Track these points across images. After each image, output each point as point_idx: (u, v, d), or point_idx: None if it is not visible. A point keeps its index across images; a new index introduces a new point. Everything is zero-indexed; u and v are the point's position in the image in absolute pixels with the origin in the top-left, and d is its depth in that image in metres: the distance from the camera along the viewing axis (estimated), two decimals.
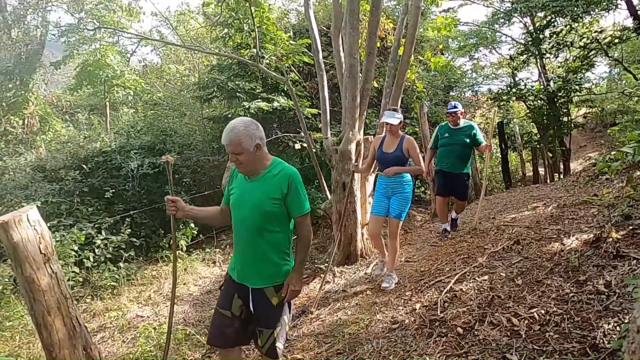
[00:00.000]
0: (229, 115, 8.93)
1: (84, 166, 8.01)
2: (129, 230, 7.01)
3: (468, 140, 5.47)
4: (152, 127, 9.69)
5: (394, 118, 4.40)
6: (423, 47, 11.95)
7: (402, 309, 3.76)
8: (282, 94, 9.04)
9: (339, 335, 3.59)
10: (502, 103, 14.15)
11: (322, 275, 5.12)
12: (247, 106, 8.25)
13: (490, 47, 17.48)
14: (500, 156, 13.80)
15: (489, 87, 19.18)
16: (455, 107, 5.51)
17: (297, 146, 8.57)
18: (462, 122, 5.56)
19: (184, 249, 7.52)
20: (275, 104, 8.57)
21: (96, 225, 6.91)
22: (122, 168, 7.96)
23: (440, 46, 12.74)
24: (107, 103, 12.13)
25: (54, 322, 2.58)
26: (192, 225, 7.81)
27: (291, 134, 8.50)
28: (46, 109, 11.75)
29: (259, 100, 8.46)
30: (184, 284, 6.92)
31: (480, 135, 5.49)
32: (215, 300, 6.39)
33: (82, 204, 7.39)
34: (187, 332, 5.12)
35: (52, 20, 11.64)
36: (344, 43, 5.29)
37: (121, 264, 6.71)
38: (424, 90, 10.08)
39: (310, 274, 5.61)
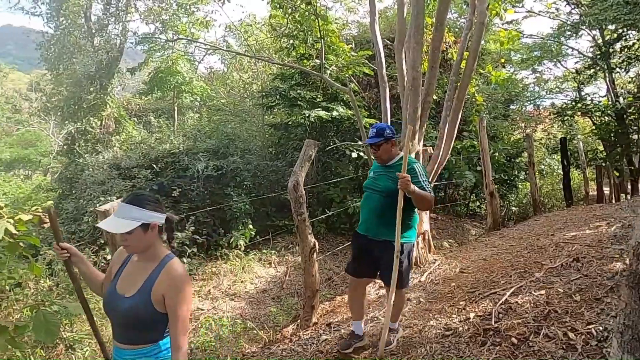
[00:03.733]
0: (289, 123, 9.28)
1: (154, 166, 8.59)
2: (193, 227, 7.45)
3: (393, 188, 3.23)
4: (216, 131, 10.22)
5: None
6: (484, 60, 11.84)
7: (456, 317, 3.84)
8: (342, 103, 9.28)
9: None
10: (565, 118, 13.72)
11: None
12: (307, 114, 8.55)
13: (554, 60, 16.98)
14: (562, 173, 13.36)
15: (552, 102, 18.61)
16: (377, 133, 3.43)
17: (354, 155, 8.79)
18: (397, 157, 3.50)
19: (242, 248, 7.90)
20: (334, 113, 8.81)
21: None
22: (189, 169, 8.47)
23: (502, 60, 12.58)
24: (176, 107, 12.87)
25: None
26: (251, 226, 8.19)
27: (348, 143, 8.73)
28: (120, 111, 12.64)
29: (319, 109, 8.74)
30: (241, 281, 7.27)
31: (421, 179, 3.29)
32: (270, 300, 6.71)
33: None
34: (245, 326, 5.42)
35: (131, 30, 12.56)
36: (407, 57, 5.45)
37: (184, 259, 7.15)
38: (484, 103, 10.01)
39: None
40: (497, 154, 10.16)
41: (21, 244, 2.96)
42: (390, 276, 3.27)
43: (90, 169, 8.57)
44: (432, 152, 5.88)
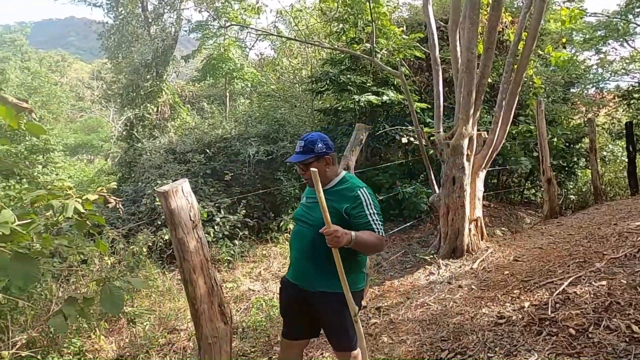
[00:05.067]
0: (339, 108, 9.26)
1: (208, 151, 8.85)
2: (244, 211, 7.65)
3: (332, 221, 2.34)
4: (267, 116, 10.37)
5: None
6: (543, 41, 11.27)
7: (510, 306, 3.75)
8: (392, 87, 9.15)
9: (443, 324, 3.70)
10: (632, 101, 12.88)
11: (426, 267, 5.23)
12: (357, 99, 8.49)
13: (621, 39, 15.90)
14: (627, 160, 12.59)
15: (618, 84, 17.48)
16: (305, 148, 2.53)
17: (404, 140, 8.66)
18: (338, 179, 2.60)
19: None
20: (385, 97, 8.70)
21: (216, 205, 7.64)
22: (240, 154, 8.66)
23: (563, 40, 11.92)
24: (227, 93, 13.15)
25: (197, 280, 3.02)
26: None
27: (399, 127, 8.60)
28: (175, 98, 13.07)
29: (369, 93, 8.65)
30: None
31: (368, 211, 2.41)
32: None
33: (205, 185, 8.21)
34: None
35: (185, 18, 12.91)
36: (462, 38, 5.28)
37: (236, 241, 7.36)
38: (542, 86, 9.55)
39: (414, 264, 5.74)
40: (555, 139, 9.69)
41: (88, 222, 3.15)
42: (337, 341, 2.55)
43: (148, 154, 8.94)
44: (486, 136, 5.70)
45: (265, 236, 8.17)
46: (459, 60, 5.43)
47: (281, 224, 8.04)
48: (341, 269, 2.29)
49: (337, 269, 2.30)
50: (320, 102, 11.35)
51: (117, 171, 11.46)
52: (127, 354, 4.73)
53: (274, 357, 3.78)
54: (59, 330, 2.59)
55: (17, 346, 4.28)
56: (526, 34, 5.71)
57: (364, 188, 2.49)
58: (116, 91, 13.80)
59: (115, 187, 3.10)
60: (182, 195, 2.97)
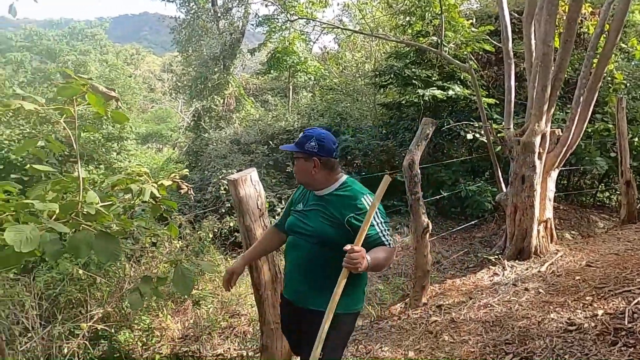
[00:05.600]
0: (402, 102, 9.14)
1: (271, 142, 9.04)
2: None
3: (331, 232, 2.19)
4: (329, 110, 10.42)
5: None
6: (627, 33, 10.49)
7: (581, 313, 3.56)
8: (458, 82, 8.90)
9: (507, 326, 3.58)
10: None
11: (490, 267, 5.07)
12: (421, 93, 8.34)
13: None
14: None
15: None
16: (298, 141, 2.31)
17: (469, 136, 8.39)
18: (337, 184, 2.29)
19: None
20: (450, 92, 8.48)
21: (277, 195, 7.80)
22: None
23: None
24: (291, 86, 13.34)
25: (262, 267, 3.11)
26: None
27: (465, 123, 8.35)
28: (240, 90, 13.43)
29: (434, 88, 8.47)
30: None
31: (376, 221, 2.14)
32: (376, 278, 6.77)
33: (267, 175, 8.40)
34: None
35: (252, 12, 13.20)
36: (537, 30, 5.03)
37: None
38: (624, 82, 8.91)
39: (476, 264, 5.58)
40: (636, 139, 9.03)
41: (161, 206, 3.32)
42: (309, 352, 2.05)
43: (214, 144, 9.28)
44: (560, 134, 5.41)
45: None
46: (534, 54, 5.18)
47: None
48: (340, 289, 1.99)
49: (336, 288, 1.99)
50: (382, 96, 11.25)
51: (185, 160, 11.98)
52: (191, 333, 4.96)
53: None
54: (135, 306, 2.75)
55: (94, 319, 4.61)
56: (608, 26, 5.35)
57: (368, 195, 2.20)
58: (185, 83, 14.39)
59: (187, 174, 3.24)
60: (251, 184, 3.06)
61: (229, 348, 4.71)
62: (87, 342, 4.12)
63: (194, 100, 13.13)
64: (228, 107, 12.57)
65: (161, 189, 3.33)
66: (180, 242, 5.60)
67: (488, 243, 7.03)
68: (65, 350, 3.90)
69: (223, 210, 7.45)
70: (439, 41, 6.84)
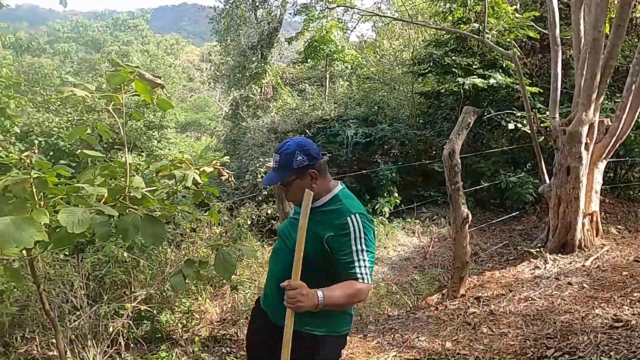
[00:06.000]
0: (441, 91, 8.96)
1: (307, 131, 9.06)
2: None
3: (309, 248, 1.83)
4: (366, 99, 10.34)
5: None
6: None
7: (628, 309, 3.44)
8: (500, 70, 8.64)
9: (549, 321, 3.49)
10: None
11: (531, 260, 4.95)
12: (461, 82, 8.15)
13: None
14: None
15: None
16: (280, 164, 2.00)
17: (511, 126, 8.16)
18: (329, 197, 1.98)
19: (387, 215, 8.01)
20: (492, 80, 8.25)
21: None
22: (339, 135, 8.77)
23: None
24: (327, 75, 13.31)
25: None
26: (396, 194, 8.23)
27: (506, 112, 8.12)
28: (278, 79, 13.51)
29: (475, 76, 8.25)
30: (384, 247, 7.40)
31: (355, 247, 1.80)
32: (412, 268, 6.73)
33: None
34: (389, 290, 5.54)
35: (289, 1, 13.21)
36: (587, 15, 4.82)
37: None
38: None
39: (516, 257, 5.45)
40: None
41: (202, 193, 3.40)
42: None
43: (252, 132, 9.38)
44: (609, 124, 5.18)
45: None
46: (582, 40, 4.97)
47: (376, 206, 8.05)
48: (289, 330, 1.72)
49: (285, 328, 1.72)
50: (420, 85, 11.07)
51: (223, 148, 12.18)
52: (229, 317, 5.08)
53: (368, 334, 3.82)
54: (178, 288, 2.83)
55: (137, 300, 4.78)
56: None
57: (357, 215, 1.84)
58: (224, 72, 14.58)
59: (228, 161, 3.30)
60: None
61: None
62: (130, 322, 4.28)
63: (232, 89, 13.30)
64: (265, 96, 12.68)
65: (203, 176, 3.40)
66: (219, 228, 5.72)
67: (528, 236, 6.85)
68: (111, 329, 4.06)
69: (260, 198, 7.55)
70: (481, 28, 6.64)
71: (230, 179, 3.54)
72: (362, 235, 1.81)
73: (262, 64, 12.60)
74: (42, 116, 8.35)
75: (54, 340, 4.51)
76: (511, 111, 7.83)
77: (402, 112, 10.52)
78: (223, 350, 4.52)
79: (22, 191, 2.41)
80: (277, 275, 1.99)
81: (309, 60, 14.16)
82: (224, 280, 5.62)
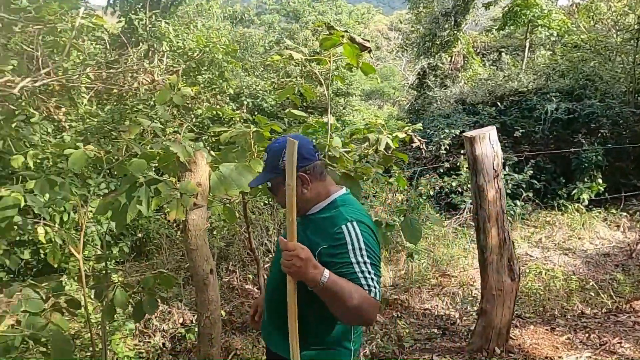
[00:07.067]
0: None
1: (499, 104, 8.45)
2: (531, 171, 7.13)
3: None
4: (573, 70, 9.15)
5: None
6: None
7: None
8: None
9: None
10: None
11: None
12: None
13: None
14: None
15: None
16: (268, 160, 1.73)
17: None
18: (326, 202, 1.71)
19: (585, 202, 7.11)
20: None
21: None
22: (536, 110, 7.99)
23: None
24: (527, 44, 12.13)
25: (491, 230, 3.00)
26: (600, 180, 7.21)
27: None
28: (469, 48, 12.80)
29: None
30: (579, 238, 6.64)
31: (355, 259, 1.51)
32: (612, 266, 5.89)
33: None
34: (581, 286, 4.96)
35: None
36: None
37: (518, 202, 6.97)
38: None
39: None
40: None
41: (392, 158, 3.45)
42: None
43: (438, 102, 9.14)
44: None
45: (551, 202, 7.48)
46: None
47: (573, 192, 7.19)
48: (292, 322, 1.48)
49: (289, 321, 1.48)
50: None
51: (405, 117, 12.15)
52: (401, 284, 5.19)
53: (557, 328, 3.50)
54: None
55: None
56: None
57: (354, 222, 1.57)
58: (413, 40, 14.38)
59: (421, 128, 3.27)
60: (489, 143, 2.93)
61: (437, 305, 4.79)
62: None
63: (421, 57, 13.06)
64: (455, 65, 12.15)
65: (394, 141, 3.45)
66: (400, 195, 5.80)
67: None
68: None
69: (441, 171, 7.38)
70: None
71: (422, 146, 3.52)
72: (362, 246, 1.53)
73: (454, 32, 12.04)
74: (250, 80, 9.41)
75: (250, 276, 5.21)
76: None
77: (617, 86, 9.03)
78: (394, 314, 4.66)
79: (244, 142, 2.76)
80: (270, 289, 1.79)
81: (506, 27, 13.03)
82: (400, 247, 5.73)
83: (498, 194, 2.95)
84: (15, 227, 2.25)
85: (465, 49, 12.81)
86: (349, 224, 1.55)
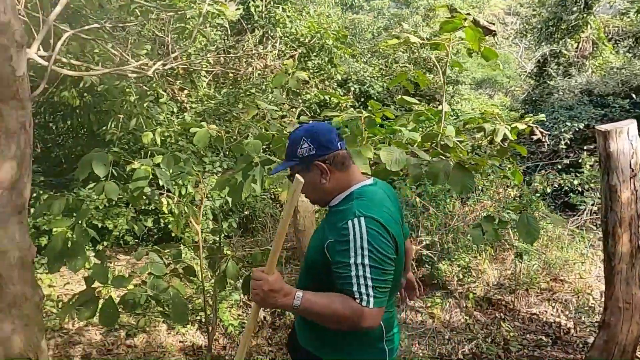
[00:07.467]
0: None
1: (634, 95, 7.53)
2: None
3: (315, 256, 1.57)
4: None
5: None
6: None
7: None
8: None
9: None
10: None
11: None
12: None
13: None
14: None
15: None
16: (288, 149, 1.63)
17: None
18: (344, 195, 1.59)
19: None
20: None
21: None
22: None
23: None
24: None
25: (622, 235, 2.68)
26: None
27: None
28: (600, 33, 11.54)
29: None
30: None
31: (355, 260, 1.38)
32: None
33: None
34: None
35: None
36: None
37: None
38: None
39: None
40: None
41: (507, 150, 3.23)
42: None
43: (560, 93, 8.39)
44: None
45: None
46: None
47: None
48: (247, 334, 1.50)
49: (242, 338, 1.45)
50: None
51: (520, 108, 11.34)
52: (507, 284, 4.90)
53: None
54: (475, 241, 2.84)
55: (421, 244, 5.07)
56: None
57: (362, 218, 1.44)
58: (534, 25, 13.29)
59: (544, 119, 3.00)
60: (627, 138, 2.62)
61: (546, 311, 4.50)
62: (412, 263, 4.59)
63: (542, 44, 12.04)
64: (581, 53, 11.01)
65: (513, 132, 3.22)
66: (513, 190, 5.44)
67: None
68: None
69: (559, 167, 6.79)
70: None
71: (544, 139, 3.26)
72: (365, 245, 1.40)
73: (584, 15, 10.89)
74: (358, 66, 9.38)
75: None
76: None
77: None
78: (496, 315, 4.43)
79: (355, 127, 2.75)
80: (297, 283, 1.75)
81: None
82: (508, 245, 5.40)
83: (634, 195, 2.63)
84: (144, 197, 2.48)
85: (596, 34, 11.55)
86: (355, 220, 1.44)
